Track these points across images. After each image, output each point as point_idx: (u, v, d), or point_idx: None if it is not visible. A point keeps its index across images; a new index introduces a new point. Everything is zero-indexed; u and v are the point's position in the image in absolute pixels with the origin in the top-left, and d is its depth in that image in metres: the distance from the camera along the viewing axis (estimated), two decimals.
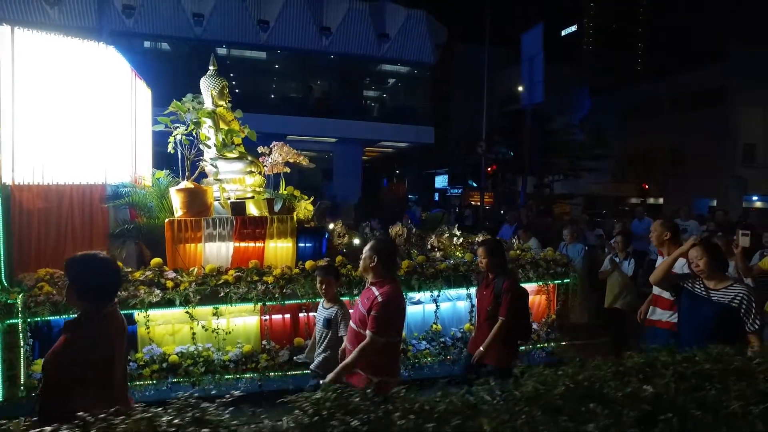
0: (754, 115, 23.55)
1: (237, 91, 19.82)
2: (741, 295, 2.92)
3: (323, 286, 3.57)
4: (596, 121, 28.43)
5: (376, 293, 2.76)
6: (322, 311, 3.59)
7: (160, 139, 5.17)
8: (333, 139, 19.95)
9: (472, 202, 24.28)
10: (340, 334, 3.42)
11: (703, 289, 3.07)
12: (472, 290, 4.80)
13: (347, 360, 2.80)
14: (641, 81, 31.15)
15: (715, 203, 23.25)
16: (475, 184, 26.38)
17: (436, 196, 32.78)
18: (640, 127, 27.62)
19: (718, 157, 23.70)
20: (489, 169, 22.21)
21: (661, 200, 27.11)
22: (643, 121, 27.88)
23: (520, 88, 29.70)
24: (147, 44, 17.86)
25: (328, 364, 3.33)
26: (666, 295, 3.57)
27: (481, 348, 3.69)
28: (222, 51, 18.98)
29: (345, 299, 4.46)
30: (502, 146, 21.64)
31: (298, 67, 20.41)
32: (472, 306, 4.85)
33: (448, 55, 29.62)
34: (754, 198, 24.43)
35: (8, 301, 3.55)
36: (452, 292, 4.91)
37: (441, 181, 34.91)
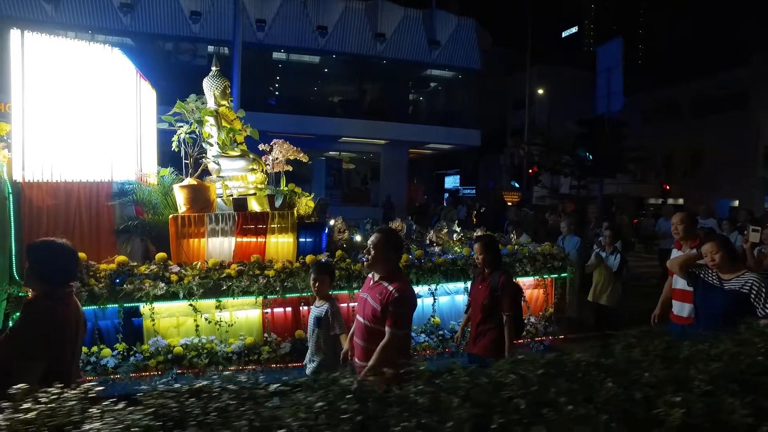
0: None
1: (277, 93, 20.57)
2: (751, 281, 3.06)
3: (317, 284, 3.53)
4: (619, 122, 28.42)
5: (390, 288, 2.68)
6: (314, 309, 3.55)
7: (165, 138, 5.31)
8: (383, 141, 20.67)
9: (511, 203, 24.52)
10: (332, 333, 3.36)
11: (716, 278, 3.22)
12: (470, 284, 4.89)
13: (372, 363, 2.64)
14: (660, 84, 31.13)
15: (736, 204, 23.19)
16: (517, 185, 26.78)
17: (446, 197, 32.86)
18: (661, 130, 27.63)
19: (740, 159, 23.73)
20: (530, 170, 22.45)
21: (681, 201, 27.10)
22: (664, 124, 27.95)
23: (541, 91, 29.82)
24: (210, 48, 18.33)
25: (323, 369, 3.26)
26: (689, 287, 3.59)
27: (507, 348, 3.65)
28: (280, 55, 19.82)
29: (344, 293, 4.58)
30: (583, 150, 21.79)
31: (353, 72, 21.13)
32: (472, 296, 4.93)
33: None
34: None
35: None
36: (450, 286, 5.00)
37: (451, 181, 34.94)
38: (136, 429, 1.09)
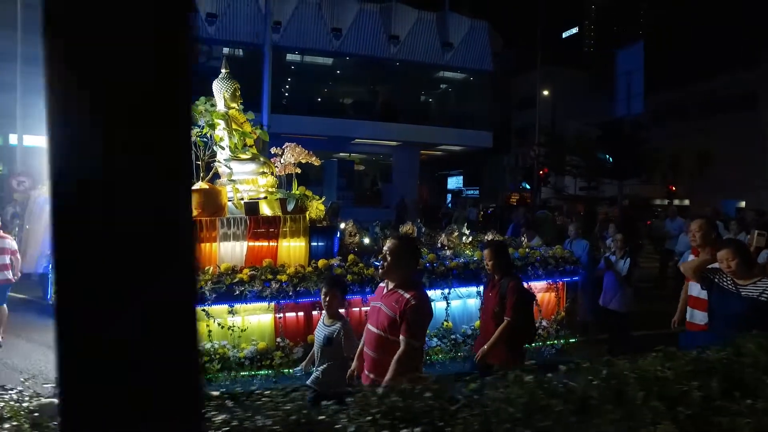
0: None
1: (287, 95, 20.55)
2: None
3: (327, 299, 3.27)
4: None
5: (407, 296, 2.52)
6: (323, 328, 3.26)
7: None
8: (395, 143, 20.81)
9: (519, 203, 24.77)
10: (345, 354, 3.13)
11: (731, 284, 3.18)
12: (482, 288, 4.86)
13: (389, 377, 2.44)
14: (664, 85, 31.13)
15: (743, 205, 23.17)
16: (528, 186, 27.10)
17: (449, 198, 32.81)
18: (667, 130, 27.65)
19: (746, 160, 23.77)
20: (541, 172, 22.60)
21: (686, 202, 27.06)
22: (669, 124, 28.01)
23: (545, 92, 30.00)
24: (225, 50, 18.01)
25: (324, 379, 3.12)
26: (703, 295, 3.53)
27: (485, 347, 3.65)
28: (294, 57, 19.97)
29: (356, 297, 4.56)
30: (601, 152, 21.87)
31: (366, 74, 21.31)
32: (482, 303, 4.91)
33: None
34: None
35: None
36: (462, 290, 4.97)
37: (454, 182, 34.90)
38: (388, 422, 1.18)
